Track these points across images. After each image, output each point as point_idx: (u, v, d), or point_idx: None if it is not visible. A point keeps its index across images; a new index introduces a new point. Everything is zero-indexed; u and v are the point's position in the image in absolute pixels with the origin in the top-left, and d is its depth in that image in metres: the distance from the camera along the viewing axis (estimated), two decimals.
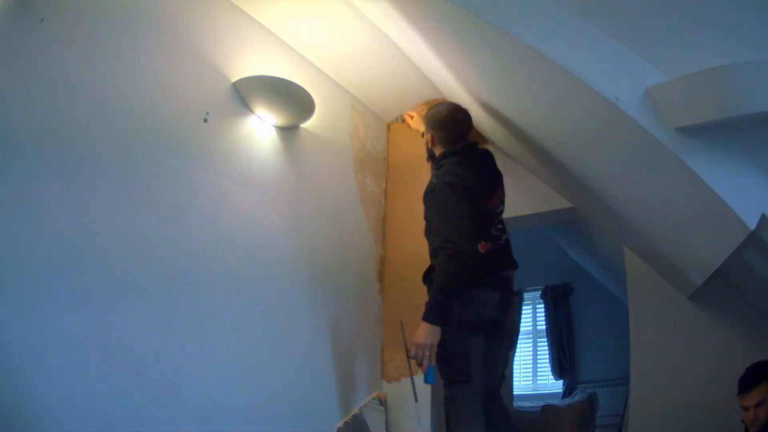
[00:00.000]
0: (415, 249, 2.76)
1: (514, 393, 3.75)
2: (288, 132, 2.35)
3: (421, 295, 2.66)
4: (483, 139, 3.24)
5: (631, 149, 1.73)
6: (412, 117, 2.99)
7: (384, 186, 3.01)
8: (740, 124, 1.40)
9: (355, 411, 2.43)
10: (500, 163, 3.16)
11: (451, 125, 2.13)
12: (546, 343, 5.86)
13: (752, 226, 1.50)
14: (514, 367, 4.96)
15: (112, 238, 1.58)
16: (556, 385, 5.67)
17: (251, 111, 2.17)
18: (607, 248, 3.36)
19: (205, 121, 1.96)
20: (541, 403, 4.43)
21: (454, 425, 1.87)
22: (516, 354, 5.79)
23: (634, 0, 1.48)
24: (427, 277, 1.99)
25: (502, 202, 2.19)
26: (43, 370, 1.36)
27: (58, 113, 1.50)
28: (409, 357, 1.88)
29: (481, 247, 1.95)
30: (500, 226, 2.11)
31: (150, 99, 1.78)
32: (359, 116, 2.88)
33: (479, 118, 2.88)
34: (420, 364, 1.82)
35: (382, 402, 2.58)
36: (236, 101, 2.11)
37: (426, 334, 1.79)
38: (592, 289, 5.57)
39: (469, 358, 1.87)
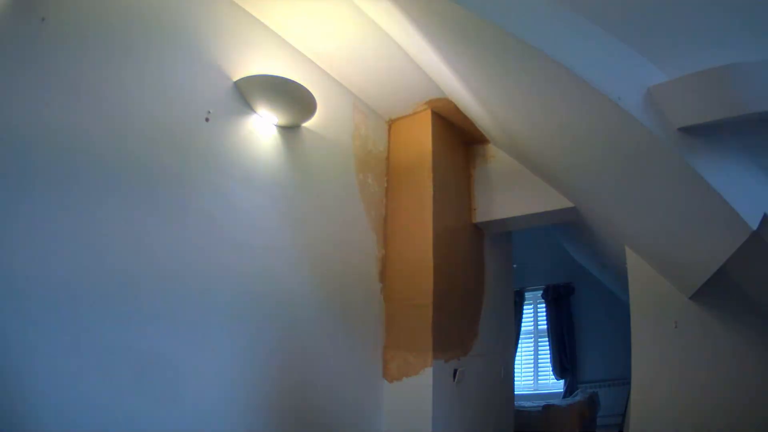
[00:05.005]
0: (415, 248, 2.77)
1: (516, 393, 3.74)
2: (289, 131, 2.35)
3: (421, 295, 2.69)
4: (484, 138, 3.24)
5: (633, 149, 1.73)
6: None
7: (385, 185, 3.01)
8: (742, 124, 1.40)
9: None
10: (502, 162, 3.20)
11: None
12: (547, 343, 5.86)
13: (754, 225, 1.50)
14: (516, 366, 4.96)
15: (113, 236, 1.59)
16: (558, 385, 5.67)
17: (253, 110, 2.17)
18: (609, 248, 3.36)
19: (207, 120, 1.96)
20: (543, 403, 4.43)
21: None
22: (518, 354, 5.82)
23: (637, 1, 1.48)
24: None
25: None
26: (42, 371, 1.36)
27: (59, 112, 1.50)
28: None
29: None
30: None
31: (151, 98, 1.78)
32: (361, 115, 2.88)
33: (480, 117, 2.88)
34: None
35: None
36: (238, 100, 2.11)
37: None
38: (594, 288, 5.57)
39: None
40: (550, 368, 5.74)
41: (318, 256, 2.41)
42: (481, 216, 3.21)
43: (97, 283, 1.52)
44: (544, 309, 6.03)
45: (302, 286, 2.30)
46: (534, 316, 6.19)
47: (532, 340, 6.11)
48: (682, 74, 1.42)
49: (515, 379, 3.91)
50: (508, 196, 3.13)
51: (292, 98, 2.20)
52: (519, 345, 5.97)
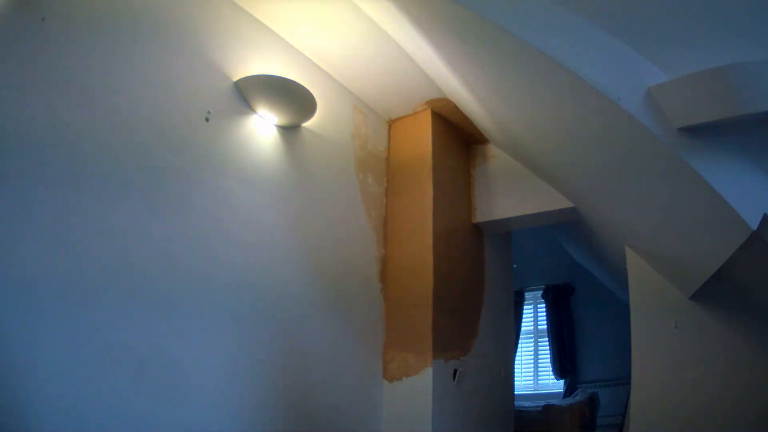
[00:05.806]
0: (415, 248, 2.77)
1: (516, 393, 3.74)
2: (289, 131, 2.35)
3: (421, 295, 2.69)
4: (484, 138, 3.24)
5: (633, 149, 1.73)
6: None
7: (385, 185, 3.01)
8: (742, 124, 1.40)
9: None
10: (502, 162, 3.20)
11: None
12: (547, 343, 5.86)
13: (754, 226, 1.50)
14: (516, 366, 4.96)
15: (113, 234, 1.59)
16: (558, 385, 5.67)
17: (253, 110, 2.17)
18: (609, 248, 3.36)
19: (207, 120, 1.96)
20: (543, 403, 4.43)
21: None
22: (518, 354, 5.82)
23: (636, 1, 1.48)
24: None
25: None
26: (42, 370, 1.36)
27: (59, 112, 1.50)
28: None
29: None
30: None
31: (151, 98, 1.78)
32: (361, 115, 2.88)
33: (480, 117, 2.88)
34: None
35: None
36: (238, 100, 2.11)
37: None
38: (594, 288, 5.57)
39: None
40: (550, 368, 5.74)
41: (318, 256, 2.41)
42: (481, 216, 3.21)
43: (96, 280, 1.52)
44: (544, 309, 6.02)
45: (302, 286, 2.30)
46: (534, 316, 6.18)
47: (532, 340, 6.11)
48: (682, 74, 1.42)
49: (515, 379, 3.91)
50: (508, 196, 3.13)
51: (293, 98, 2.20)
52: (519, 345, 5.96)
